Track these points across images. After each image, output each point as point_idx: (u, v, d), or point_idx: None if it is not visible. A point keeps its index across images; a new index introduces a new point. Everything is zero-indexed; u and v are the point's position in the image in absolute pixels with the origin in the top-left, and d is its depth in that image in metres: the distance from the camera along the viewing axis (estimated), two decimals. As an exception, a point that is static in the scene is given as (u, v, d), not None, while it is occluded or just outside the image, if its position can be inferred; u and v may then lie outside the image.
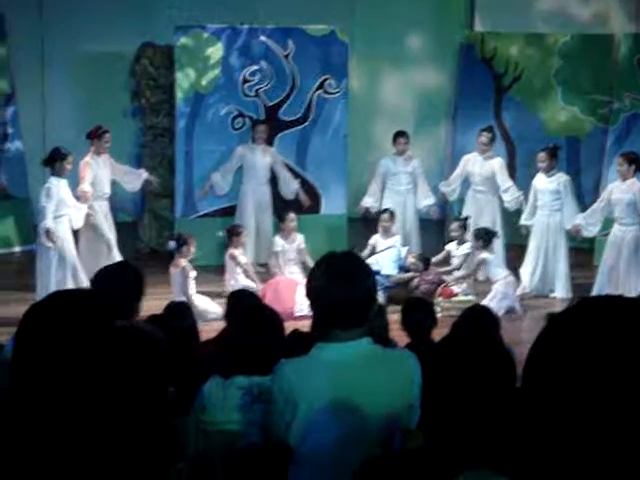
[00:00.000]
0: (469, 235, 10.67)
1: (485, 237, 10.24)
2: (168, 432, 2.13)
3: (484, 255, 10.16)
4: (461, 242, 10.64)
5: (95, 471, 2.04)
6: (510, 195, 11.06)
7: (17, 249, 12.31)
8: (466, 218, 10.79)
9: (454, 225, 10.75)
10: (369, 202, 11.48)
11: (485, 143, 11.14)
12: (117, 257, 10.26)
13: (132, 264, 5.01)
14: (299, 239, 10.74)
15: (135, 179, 10.99)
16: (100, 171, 10.35)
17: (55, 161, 9.57)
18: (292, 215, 10.68)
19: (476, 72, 13.20)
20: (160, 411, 2.02)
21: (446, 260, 10.75)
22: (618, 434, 1.49)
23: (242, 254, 10.33)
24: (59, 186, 9.54)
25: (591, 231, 10.41)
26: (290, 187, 11.60)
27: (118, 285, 4.65)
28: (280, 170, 11.57)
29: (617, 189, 10.05)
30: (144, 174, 11.02)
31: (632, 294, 9.36)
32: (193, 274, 9.66)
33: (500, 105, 13.19)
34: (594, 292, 9.97)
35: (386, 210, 10.99)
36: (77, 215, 9.83)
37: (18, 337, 2.27)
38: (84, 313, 2.27)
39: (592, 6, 13.91)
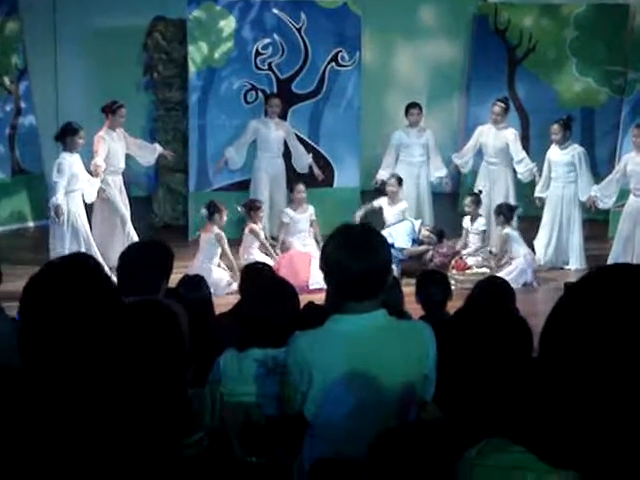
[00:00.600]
0: (482, 210, 10.65)
1: (507, 213, 10.21)
2: (184, 403, 2.14)
3: (507, 230, 10.13)
4: (474, 217, 10.60)
5: (109, 441, 2.05)
6: (524, 166, 11.01)
7: (31, 224, 12.35)
8: (479, 192, 10.74)
9: (467, 200, 10.71)
10: (384, 175, 11.43)
11: (498, 113, 11.08)
12: (131, 231, 10.31)
13: (163, 242, 5.01)
14: (310, 210, 10.74)
15: (150, 153, 11.00)
16: (114, 145, 10.36)
17: (66, 136, 9.58)
18: (301, 186, 10.67)
19: (489, 44, 13.11)
20: (177, 383, 2.03)
21: (466, 237, 10.71)
22: (634, 401, 1.49)
23: (261, 229, 10.36)
24: (71, 161, 9.55)
25: (606, 203, 10.37)
26: (303, 161, 11.58)
27: (147, 263, 4.68)
28: (293, 144, 11.55)
29: (632, 160, 9.99)
30: (158, 148, 11.02)
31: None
32: (225, 241, 9.73)
33: (514, 77, 13.11)
34: (609, 263, 9.94)
35: (393, 175, 10.96)
36: (90, 189, 9.86)
37: (21, 312, 2.27)
38: (82, 280, 2.26)
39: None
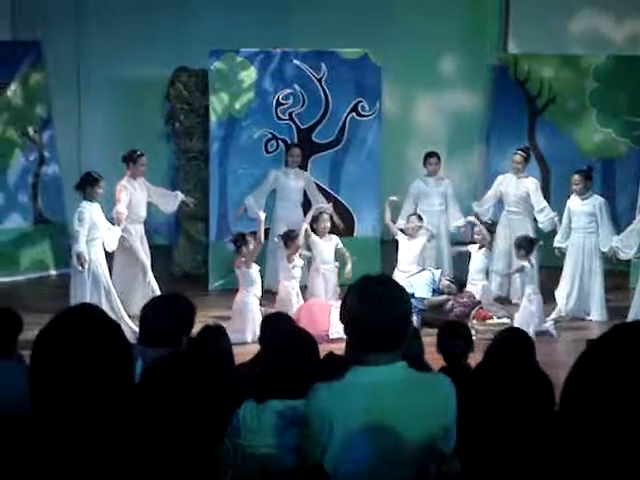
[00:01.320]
0: (503, 254, 10.68)
1: (527, 246, 10.17)
2: (210, 457, 2.13)
3: (524, 263, 10.09)
4: (482, 246, 10.63)
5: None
6: (545, 215, 11.01)
7: (53, 272, 12.41)
8: (492, 223, 10.80)
9: (477, 229, 10.72)
10: (402, 224, 11.46)
11: (519, 162, 11.12)
12: (152, 281, 10.33)
13: (185, 297, 5.04)
14: (335, 239, 10.75)
15: (171, 201, 11.07)
16: (136, 194, 10.43)
17: (86, 185, 9.66)
18: (325, 215, 10.72)
19: (510, 94, 13.17)
20: (204, 435, 2.02)
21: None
22: None
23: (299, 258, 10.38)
24: (91, 210, 9.62)
25: (627, 253, 10.32)
26: (321, 203, 11.60)
27: (169, 316, 4.71)
28: (313, 193, 11.60)
29: None
30: (180, 196, 11.10)
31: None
32: (256, 267, 9.76)
33: (534, 127, 13.15)
34: (631, 315, 9.87)
35: (414, 213, 11.03)
36: (111, 238, 9.91)
37: (32, 363, 2.27)
38: (90, 331, 2.27)
39: (626, 27, 13.87)
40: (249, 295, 9.75)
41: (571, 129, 12.98)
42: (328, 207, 11.58)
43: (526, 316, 9.76)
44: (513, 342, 5.50)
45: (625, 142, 12.79)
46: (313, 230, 10.78)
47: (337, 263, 10.75)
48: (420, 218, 10.95)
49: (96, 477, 2.05)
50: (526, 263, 10.09)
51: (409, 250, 10.84)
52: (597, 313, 10.51)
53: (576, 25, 13.94)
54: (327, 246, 10.74)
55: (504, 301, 11.02)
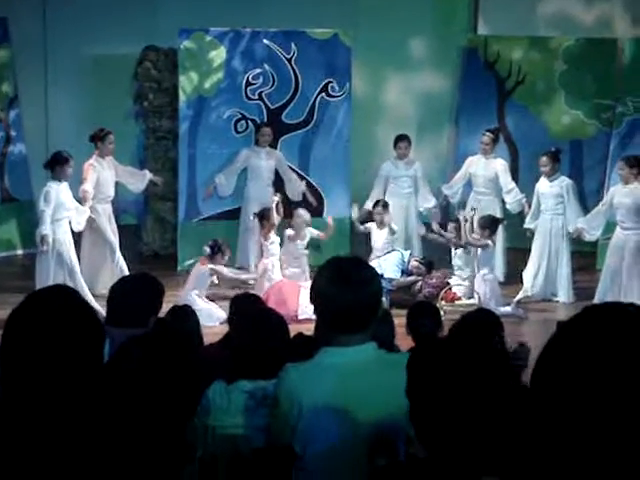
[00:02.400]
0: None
1: (492, 225, 10.21)
2: (179, 437, 2.13)
3: (488, 242, 10.10)
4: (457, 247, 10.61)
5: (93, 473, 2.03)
6: (513, 197, 11.06)
7: (19, 252, 12.32)
8: (473, 210, 10.71)
9: (450, 227, 10.72)
10: (371, 205, 11.47)
11: (487, 143, 11.16)
12: (120, 260, 10.28)
13: (154, 277, 5.02)
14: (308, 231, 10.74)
15: (139, 180, 11.02)
16: (104, 173, 10.37)
17: (56, 165, 9.60)
18: (300, 210, 10.67)
19: (479, 76, 13.19)
20: (173, 415, 2.02)
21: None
22: (627, 440, 1.48)
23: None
24: (58, 189, 9.56)
25: (593, 235, 10.41)
26: (297, 188, 11.60)
27: (137, 297, 4.69)
28: (286, 172, 11.57)
29: (619, 193, 10.04)
30: (148, 174, 11.04)
31: (635, 299, 9.36)
32: (214, 279, 9.74)
33: (503, 109, 13.19)
34: (597, 296, 9.97)
35: (378, 202, 10.98)
36: (79, 218, 9.85)
37: (2, 345, 2.25)
38: (64, 313, 2.25)
39: (596, 10, 13.91)
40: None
41: (540, 111, 13.04)
42: (301, 184, 11.57)
43: (486, 296, 9.77)
44: (477, 322, 5.51)
45: (593, 124, 12.86)
46: (289, 226, 10.77)
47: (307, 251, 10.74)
48: (385, 207, 10.90)
49: (65, 456, 2.04)
50: (489, 242, 10.13)
51: (379, 238, 10.84)
52: (564, 294, 10.59)
53: (545, 7, 13.96)
54: (301, 243, 10.72)
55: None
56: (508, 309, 9.90)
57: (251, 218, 10.62)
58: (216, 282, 9.87)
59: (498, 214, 11.10)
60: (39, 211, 9.62)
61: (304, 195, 11.59)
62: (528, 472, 1.64)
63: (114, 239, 10.41)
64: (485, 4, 14.14)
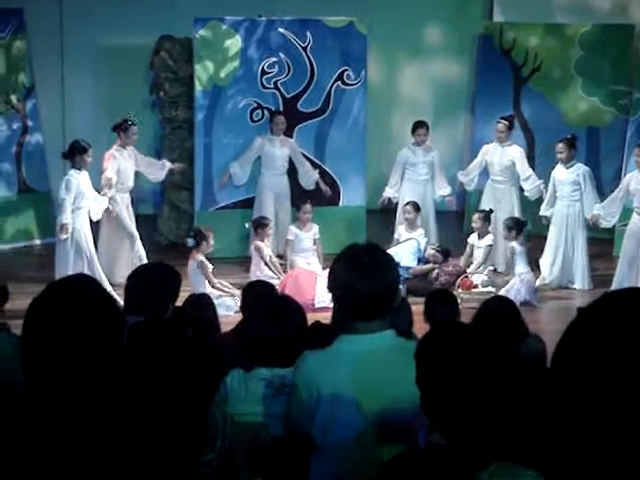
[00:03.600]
0: (491, 228, 10.66)
1: (517, 227, 10.19)
2: (199, 425, 2.14)
3: (513, 244, 10.10)
4: (482, 235, 10.59)
5: (116, 462, 2.04)
6: (531, 183, 11.01)
7: (37, 242, 12.36)
8: (490, 211, 10.73)
9: (475, 217, 10.71)
10: (390, 193, 11.46)
11: (502, 130, 11.09)
12: (141, 249, 10.31)
13: (171, 266, 5.05)
14: (314, 229, 10.77)
15: (159, 169, 11.04)
16: (124, 163, 10.40)
17: (75, 154, 9.63)
18: (308, 206, 10.68)
19: (495, 63, 13.14)
20: (192, 405, 2.03)
21: (470, 254, 10.70)
22: None
23: (267, 246, 10.35)
24: (78, 178, 9.60)
25: (609, 221, 10.36)
26: (310, 177, 11.59)
27: (155, 285, 4.72)
28: (299, 160, 11.56)
29: (635, 179, 9.99)
30: (167, 164, 11.06)
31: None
32: (210, 267, 9.68)
33: (519, 96, 13.13)
34: (614, 284, 9.93)
35: (409, 202, 10.96)
36: (97, 207, 9.89)
37: (24, 334, 2.27)
38: (85, 302, 2.27)
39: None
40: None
41: (556, 98, 12.98)
42: (314, 173, 11.57)
43: (512, 292, 9.71)
44: (495, 309, 5.51)
45: (610, 111, 12.79)
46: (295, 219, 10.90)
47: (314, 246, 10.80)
48: (416, 207, 10.91)
49: (87, 443, 2.06)
50: (515, 244, 10.11)
51: (405, 236, 10.86)
52: (580, 282, 10.54)
53: (562, -7, 13.90)
54: (306, 236, 10.74)
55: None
56: (528, 299, 9.89)
57: (246, 226, 10.60)
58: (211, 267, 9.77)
59: (515, 202, 11.08)
60: (60, 199, 9.65)
61: (317, 184, 11.59)
62: (547, 458, 1.64)
63: (133, 228, 10.44)
64: (501, -9, 14.09)
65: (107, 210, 10.04)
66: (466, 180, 11.51)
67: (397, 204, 11.40)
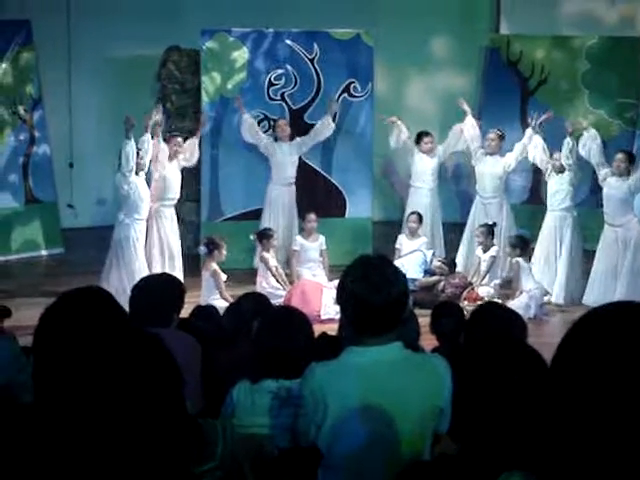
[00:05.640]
0: (495, 240, 10.66)
1: (522, 245, 10.16)
2: (187, 434, 2.13)
3: (518, 259, 10.08)
4: (486, 248, 10.58)
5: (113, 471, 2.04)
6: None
7: (44, 252, 12.37)
8: (494, 224, 10.72)
9: (478, 231, 10.70)
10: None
11: (492, 139, 11.11)
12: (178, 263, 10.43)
13: (175, 276, 5.07)
14: (320, 239, 10.78)
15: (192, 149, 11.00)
16: (169, 175, 10.42)
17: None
18: (312, 215, 10.73)
19: (502, 76, 13.16)
20: (174, 415, 2.02)
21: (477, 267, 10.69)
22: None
23: (273, 257, 10.36)
24: (137, 182, 9.77)
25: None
26: (325, 125, 11.46)
27: (159, 296, 4.73)
28: (307, 139, 11.44)
29: (608, 184, 9.98)
30: (195, 140, 11.04)
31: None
32: (224, 277, 9.70)
33: (526, 108, 13.13)
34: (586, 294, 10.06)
35: (414, 212, 10.98)
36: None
37: (35, 345, 2.27)
38: (94, 313, 2.27)
39: (619, 8, 13.84)
40: None
41: (563, 110, 12.94)
42: (323, 118, 11.45)
43: (522, 307, 9.63)
44: (492, 318, 5.44)
45: (617, 124, 12.77)
46: (300, 229, 10.98)
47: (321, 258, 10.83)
48: (420, 218, 10.93)
49: (92, 453, 2.05)
50: (520, 259, 10.08)
51: (408, 247, 10.86)
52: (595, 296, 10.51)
53: (568, 6, 13.91)
54: (312, 246, 10.76)
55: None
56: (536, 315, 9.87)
57: (251, 238, 10.60)
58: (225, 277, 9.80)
59: (508, 217, 11.07)
60: (121, 172, 9.71)
61: (334, 115, 11.49)
62: (549, 464, 1.65)
63: (175, 247, 10.51)
64: (507, 3, 14.09)
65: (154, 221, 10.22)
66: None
67: (401, 217, 11.44)
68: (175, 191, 10.52)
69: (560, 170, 10.40)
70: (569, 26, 13.68)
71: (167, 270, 9.84)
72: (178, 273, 9.80)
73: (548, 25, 13.47)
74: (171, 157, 10.47)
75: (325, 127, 11.43)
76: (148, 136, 9.82)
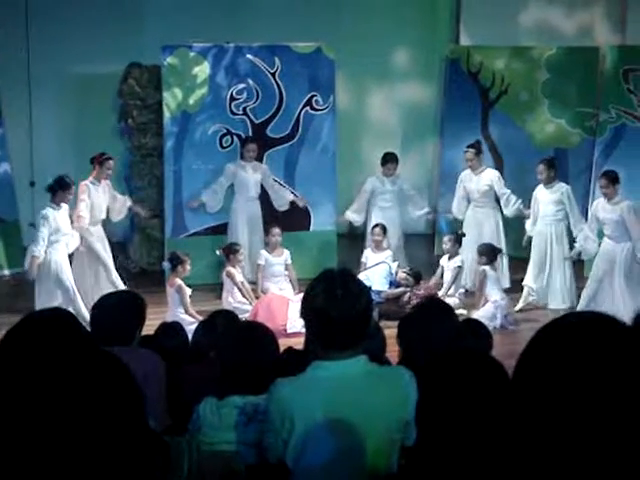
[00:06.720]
0: (461, 249, 10.72)
1: (489, 254, 10.23)
2: (151, 452, 2.11)
3: (485, 267, 10.14)
4: (452, 256, 10.66)
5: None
6: (511, 205, 11.06)
7: (6, 272, 12.24)
8: (462, 235, 10.79)
9: (446, 238, 10.78)
10: (352, 217, 11.58)
11: (470, 158, 11.23)
12: (117, 280, 10.26)
13: (135, 292, 5.03)
14: (285, 254, 10.79)
15: (122, 206, 10.98)
16: (98, 197, 10.37)
17: (59, 189, 9.59)
18: (276, 229, 10.76)
19: (462, 86, 13.23)
20: (134, 434, 2.00)
21: (441, 275, 10.77)
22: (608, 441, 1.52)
23: (239, 272, 10.34)
24: (55, 215, 9.56)
25: (591, 253, 10.37)
26: (284, 197, 11.62)
27: (120, 313, 4.69)
28: (271, 184, 11.58)
29: (602, 208, 9.98)
30: (128, 202, 11.02)
31: (621, 307, 9.46)
32: (189, 292, 9.64)
33: (487, 119, 13.23)
34: (582, 303, 10.05)
35: (377, 225, 11.03)
36: (72, 241, 9.85)
37: None
38: (60, 335, 2.25)
39: (577, 19, 14.01)
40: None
41: (524, 120, 13.08)
42: (287, 192, 11.59)
43: (487, 317, 9.66)
44: (471, 332, 5.51)
45: (577, 133, 12.89)
46: (265, 243, 10.99)
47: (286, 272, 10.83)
48: (384, 229, 10.98)
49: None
50: (487, 267, 10.14)
51: (373, 260, 10.89)
52: (561, 300, 10.58)
53: (527, 17, 14.04)
54: (277, 261, 10.77)
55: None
56: (502, 324, 9.92)
57: (217, 253, 10.59)
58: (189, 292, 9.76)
59: (498, 225, 11.16)
60: (36, 233, 9.59)
61: (291, 203, 11.62)
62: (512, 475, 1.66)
63: (108, 259, 10.39)
64: (467, 15, 14.19)
65: (81, 242, 10.01)
66: (459, 213, 11.56)
67: (364, 229, 11.47)
68: (103, 212, 10.52)
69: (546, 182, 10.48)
70: (528, 37, 13.81)
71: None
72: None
73: (507, 36, 13.57)
74: (102, 178, 10.43)
75: (282, 198, 11.63)
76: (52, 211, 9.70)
